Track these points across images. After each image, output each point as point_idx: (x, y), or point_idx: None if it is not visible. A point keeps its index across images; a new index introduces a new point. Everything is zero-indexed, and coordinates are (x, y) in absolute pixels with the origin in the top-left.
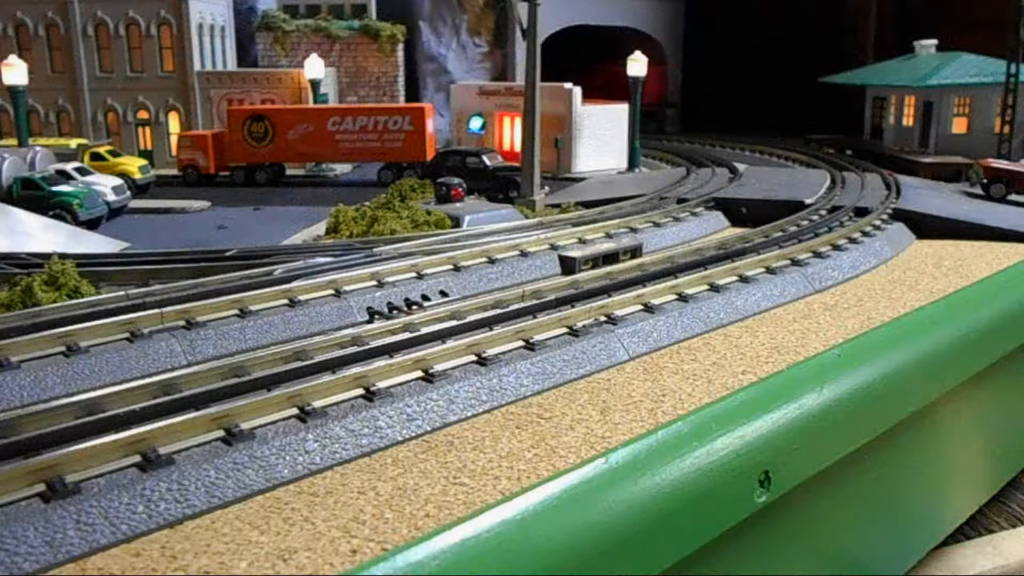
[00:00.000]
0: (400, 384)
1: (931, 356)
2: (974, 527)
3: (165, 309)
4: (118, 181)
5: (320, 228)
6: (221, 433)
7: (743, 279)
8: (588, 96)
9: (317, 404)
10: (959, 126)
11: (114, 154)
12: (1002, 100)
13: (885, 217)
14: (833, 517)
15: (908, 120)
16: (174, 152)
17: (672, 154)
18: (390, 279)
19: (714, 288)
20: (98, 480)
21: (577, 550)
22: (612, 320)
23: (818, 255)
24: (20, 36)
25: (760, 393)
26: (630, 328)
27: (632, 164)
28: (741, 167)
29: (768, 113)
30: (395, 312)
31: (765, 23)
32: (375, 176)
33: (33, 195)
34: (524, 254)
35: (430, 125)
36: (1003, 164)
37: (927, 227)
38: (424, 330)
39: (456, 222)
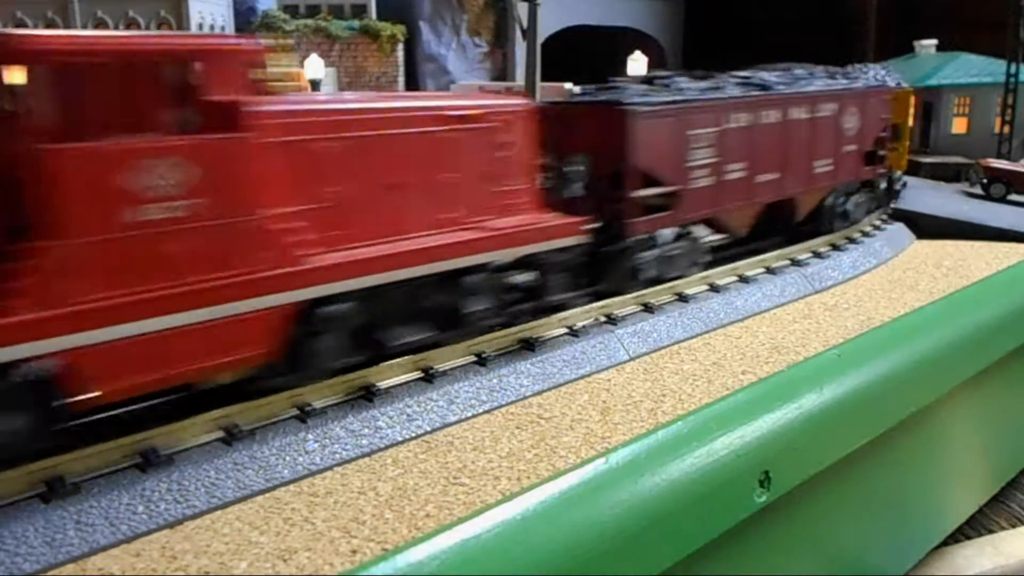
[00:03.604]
0: (400, 384)
1: (931, 356)
2: (974, 527)
3: None
4: None
5: None
6: (221, 433)
7: (743, 279)
8: None
9: (317, 404)
10: (959, 126)
11: None
12: (1002, 100)
13: (885, 217)
14: (833, 517)
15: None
16: None
17: None
18: None
19: (714, 288)
20: (98, 480)
21: (577, 550)
22: (612, 320)
23: (818, 255)
24: None
25: (760, 393)
26: (630, 328)
27: None
28: None
29: None
30: None
31: (765, 23)
32: None
33: None
34: None
35: None
36: (1003, 164)
37: (927, 227)
38: None
39: None
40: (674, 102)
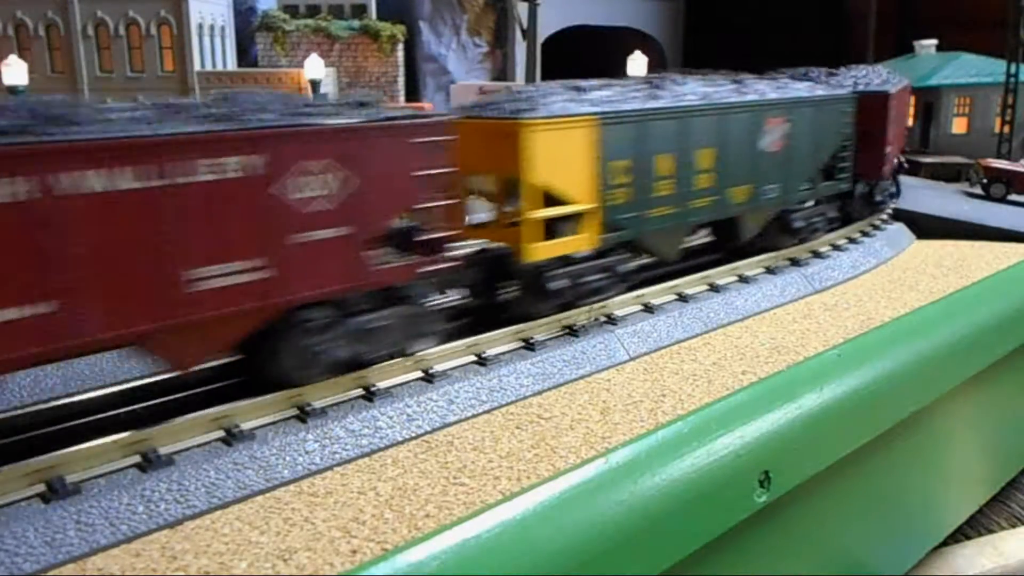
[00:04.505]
0: (400, 384)
1: (931, 356)
2: (974, 527)
3: None
4: None
5: None
6: (221, 433)
7: (743, 279)
8: None
9: (317, 404)
10: (959, 126)
11: None
12: (1002, 100)
13: (885, 217)
14: (833, 517)
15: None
16: None
17: None
18: None
19: (714, 288)
20: (98, 480)
21: (577, 550)
22: (612, 320)
23: (818, 255)
24: (20, 36)
25: (760, 393)
26: (630, 328)
27: None
28: None
29: None
30: None
31: (765, 23)
32: None
33: None
34: None
35: None
36: (1003, 164)
37: (927, 227)
38: None
39: None
40: None
